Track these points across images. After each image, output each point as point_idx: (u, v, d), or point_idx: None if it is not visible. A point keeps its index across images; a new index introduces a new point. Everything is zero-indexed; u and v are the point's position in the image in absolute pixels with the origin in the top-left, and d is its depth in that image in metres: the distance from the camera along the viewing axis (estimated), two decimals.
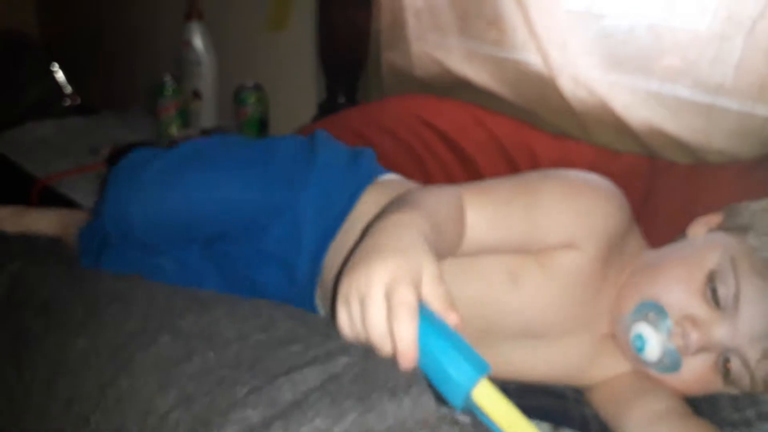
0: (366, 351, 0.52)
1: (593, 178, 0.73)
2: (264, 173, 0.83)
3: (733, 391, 0.67)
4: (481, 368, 0.48)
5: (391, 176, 0.89)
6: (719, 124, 1.00)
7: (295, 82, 1.58)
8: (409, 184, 0.88)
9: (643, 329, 0.67)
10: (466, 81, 1.21)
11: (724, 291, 0.64)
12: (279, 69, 1.62)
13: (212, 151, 0.86)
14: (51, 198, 1.36)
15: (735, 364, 0.64)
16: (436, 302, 0.49)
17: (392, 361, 0.49)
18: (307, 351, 0.56)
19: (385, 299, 0.48)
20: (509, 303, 0.71)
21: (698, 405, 0.71)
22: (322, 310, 0.81)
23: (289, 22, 1.57)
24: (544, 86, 1.11)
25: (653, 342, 0.66)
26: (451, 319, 0.49)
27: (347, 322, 0.51)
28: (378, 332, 0.48)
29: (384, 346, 0.49)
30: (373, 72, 1.38)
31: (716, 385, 0.67)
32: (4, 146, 1.62)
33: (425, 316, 0.48)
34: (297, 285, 0.81)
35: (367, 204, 0.81)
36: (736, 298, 0.63)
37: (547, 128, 1.13)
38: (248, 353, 0.57)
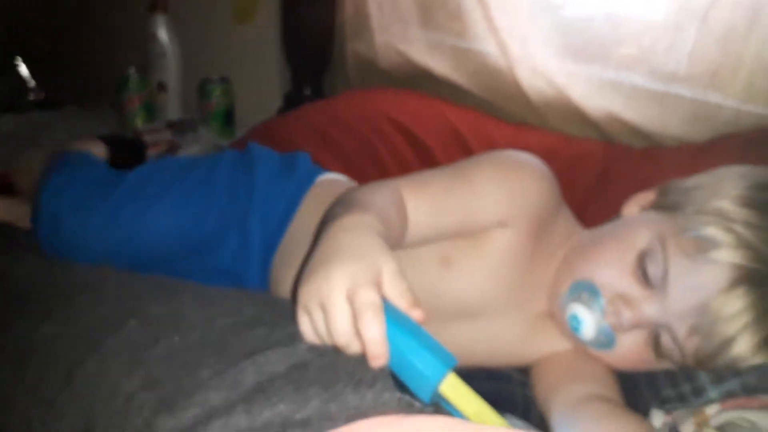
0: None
1: (523, 157, 0.76)
2: (209, 197, 0.86)
3: (667, 365, 0.70)
4: (447, 362, 0.50)
5: (329, 176, 0.90)
6: (674, 111, 1.04)
7: (260, 74, 1.59)
8: (348, 182, 0.91)
9: (578, 309, 0.69)
10: (428, 72, 1.23)
11: (654, 270, 0.65)
12: (244, 61, 1.63)
13: (155, 182, 0.88)
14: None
15: (665, 339, 0.67)
16: (399, 299, 0.51)
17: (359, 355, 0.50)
18: (271, 334, 0.58)
19: (347, 302, 0.49)
20: (444, 286, 0.73)
21: (637, 382, 0.73)
22: None
23: (255, 14, 1.57)
24: (504, 77, 1.14)
25: (588, 321, 0.68)
26: (415, 315, 0.51)
27: (310, 328, 0.52)
28: (344, 336, 0.49)
29: (351, 348, 0.50)
30: (339, 63, 1.40)
31: (650, 359, 0.69)
32: None
33: (390, 314, 0.49)
34: None
35: (309, 207, 0.84)
36: (665, 276, 0.65)
37: (507, 118, 1.16)
38: (213, 337, 0.58)
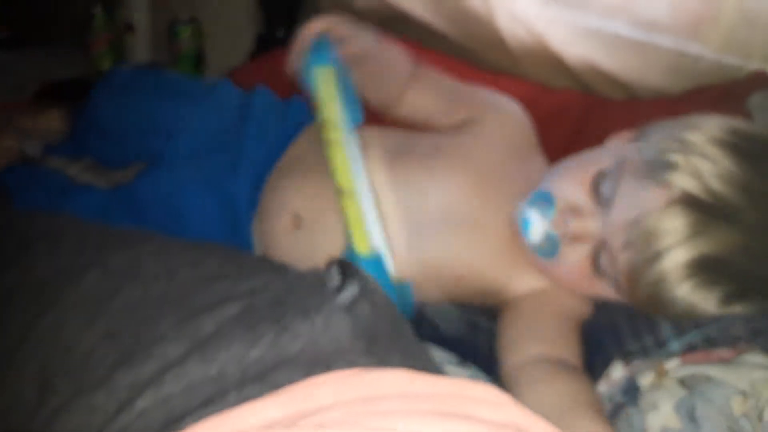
0: (287, 285, 0.53)
1: (505, 99, 0.89)
2: (211, 104, 0.93)
3: (605, 288, 0.73)
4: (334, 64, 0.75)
5: None
6: (653, 61, 1.03)
7: (232, 15, 1.54)
8: None
9: (530, 214, 0.73)
10: (405, 15, 1.20)
11: (606, 188, 0.70)
12: (215, 1, 1.58)
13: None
14: None
15: (604, 256, 0.70)
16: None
17: (307, 287, 0.52)
18: (233, 288, 0.57)
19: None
20: (427, 184, 0.81)
21: (602, 337, 0.74)
22: (258, 242, 0.83)
23: None
24: (483, 23, 1.12)
25: (536, 225, 0.73)
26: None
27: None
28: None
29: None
30: (313, 4, 1.35)
31: (590, 276, 0.72)
32: None
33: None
34: (233, 215, 0.85)
35: (303, 144, 0.87)
36: (613, 194, 0.69)
37: (485, 66, 1.14)
38: (174, 290, 0.56)
